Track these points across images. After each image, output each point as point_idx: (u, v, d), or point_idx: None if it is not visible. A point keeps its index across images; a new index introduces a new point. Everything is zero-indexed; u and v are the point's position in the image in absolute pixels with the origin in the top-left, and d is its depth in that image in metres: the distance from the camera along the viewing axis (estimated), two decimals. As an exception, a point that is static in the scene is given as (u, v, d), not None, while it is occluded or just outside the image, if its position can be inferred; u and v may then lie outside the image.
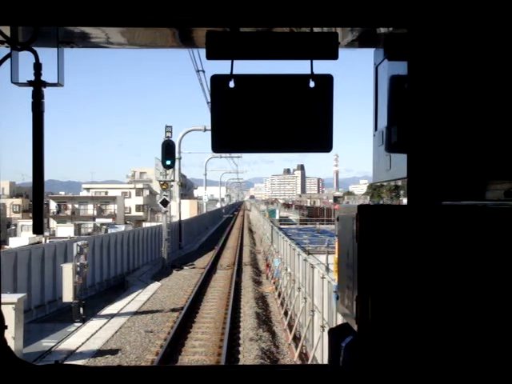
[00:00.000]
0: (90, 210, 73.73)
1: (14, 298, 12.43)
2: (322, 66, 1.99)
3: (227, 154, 54.10)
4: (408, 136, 1.89)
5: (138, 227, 46.01)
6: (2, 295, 2.42)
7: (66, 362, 11.08)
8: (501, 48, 1.83)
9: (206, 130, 32.50)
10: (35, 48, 2.13)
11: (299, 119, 1.98)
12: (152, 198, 78.63)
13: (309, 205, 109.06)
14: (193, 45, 2.24)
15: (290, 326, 17.05)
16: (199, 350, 14.63)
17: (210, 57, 1.96)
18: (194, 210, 74.54)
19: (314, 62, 1.97)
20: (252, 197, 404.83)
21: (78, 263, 18.68)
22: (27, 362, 2.40)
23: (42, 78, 2.18)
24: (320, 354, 12.43)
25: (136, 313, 18.89)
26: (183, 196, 59.56)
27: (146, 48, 2.29)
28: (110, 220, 68.93)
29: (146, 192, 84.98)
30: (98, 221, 64.77)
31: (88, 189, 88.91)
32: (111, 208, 75.18)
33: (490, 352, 1.68)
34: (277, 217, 63.53)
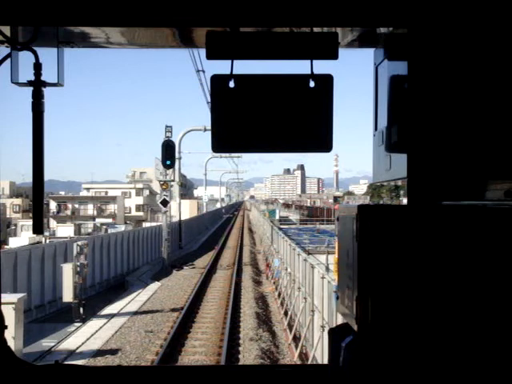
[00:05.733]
0: (90, 209, 73.69)
1: (13, 298, 12.43)
2: (322, 66, 1.99)
3: (227, 154, 54.07)
4: (408, 136, 1.88)
5: (137, 227, 46.02)
6: (2, 295, 2.42)
7: (66, 362, 11.09)
8: (501, 48, 1.83)
9: (205, 129, 32.50)
10: (35, 48, 2.13)
11: (299, 119, 1.98)
12: (152, 198, 78.59)
13: (309, 205, 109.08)
14: (193, 45, 2.24)
15: (290, 326, 17.04)
16: (199, 350, 14.63)
17: (209, 57, 1.96)
18: (194, 209, 74.54)
19: (314, 61, 1.97)
20: (252, 197, 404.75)
21: (78, 263, 18.68)
22: (27, 362, 2.40)
23: (42, 78, 2.18)
24: (320, 353, 12.43)
25: (136, 313, 18.89)
26: (183, 196, 59.63)
27: (145, 48, 2.29)
28: (110, 220, 68.91)
29: (146, 192, 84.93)
30: (98, 221, 64.75)
31: (88, 189, 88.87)
32: (111, 208, 75.15)
33: (489, 352, 1.69)
34: (277, 217, 63.54)
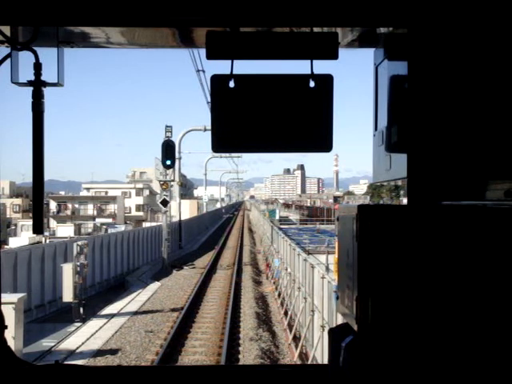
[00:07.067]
0: (90, 209, 73.71)
1: (14, 297, 12.43)
2: (322, 66, 1.99)
3: (227, 154, 54.13)
4: (408, 136, 1.89)
5: (137, 227, 46.01)
6: (2, 295, 2.42)
7: (66, 362, 11.08)
8: (501, 48, 1.83)
9: (206, 129, 32.52)
10: (35, 48, 2.13)
11: (299, 119, 1.98)
12: (152, 198, 78.59)
13: (309, 205, 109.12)
14: (193, 45, 2.24)
15: (290, 326, 17.04)
16: (199, 350, 14.63)
17: (209, 57, 1.96)
18: (194, 209, 74.51)
19: (314, 61, 1.97)
20: (252, 197, 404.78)
21: (78, 263, 18.68)
22: (27, 361, 2.41)
23: (42, 78, 2.18)
24: (320, 354, 12.43)
25: (136, 313, 18.89)
26: (183, 196, 59.62)
27: (145, 48, 2.29)
28: (110, 220, 68.91)
29: (146, 192, 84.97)
30: (98, 221, 64.75)
31: (88, 189, 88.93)
32: (111, 208, 75.15)
33: (489, 352, 1.69)
34: (277, 217, 63.59)
